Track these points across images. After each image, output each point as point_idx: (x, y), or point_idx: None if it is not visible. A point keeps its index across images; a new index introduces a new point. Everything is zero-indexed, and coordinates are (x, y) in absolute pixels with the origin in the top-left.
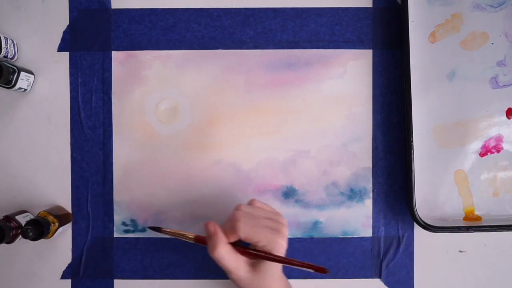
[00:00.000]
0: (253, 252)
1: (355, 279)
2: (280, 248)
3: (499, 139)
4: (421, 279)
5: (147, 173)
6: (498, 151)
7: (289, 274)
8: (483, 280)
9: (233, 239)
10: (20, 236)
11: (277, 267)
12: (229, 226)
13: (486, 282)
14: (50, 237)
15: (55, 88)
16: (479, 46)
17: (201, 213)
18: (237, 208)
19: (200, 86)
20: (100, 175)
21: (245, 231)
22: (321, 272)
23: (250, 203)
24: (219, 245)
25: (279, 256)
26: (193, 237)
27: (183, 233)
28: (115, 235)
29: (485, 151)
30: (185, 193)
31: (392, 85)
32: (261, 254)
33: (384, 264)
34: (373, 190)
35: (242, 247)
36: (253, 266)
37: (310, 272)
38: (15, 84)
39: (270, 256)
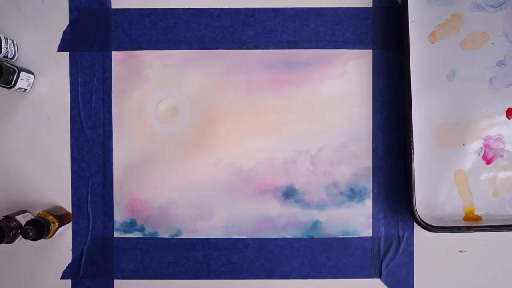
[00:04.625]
0: None
1: (355, 279)
2: None
3: (499, 139)
4: (421, 279)
5: (147, 173)
6: (502, 156)
7: (289, 274)
8: (483, 280)
9: None
10: (20, 236)
11: None
12: None
13: (486, 282)
14: (50, 237)
15: (55, 88)
16: (479, 46)
17: (201, 213)
18: None
19: (200, 86)
20: (100, 175)
21: None
22: None
23: None
24: None
25: None
26: None
27: None
28: (115, 235)
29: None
30: (185, 193)
31: (392, 85)
32: None
33: (384, 264)
34: (373, 190)
35: None
36: None
37: (310, 271)
38: (15, 84)
39: None
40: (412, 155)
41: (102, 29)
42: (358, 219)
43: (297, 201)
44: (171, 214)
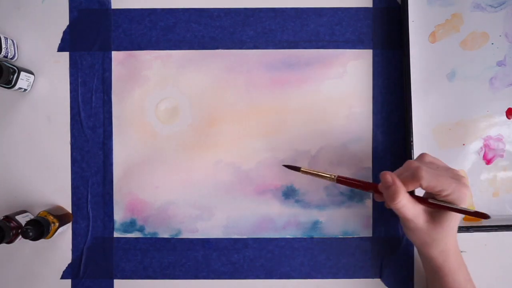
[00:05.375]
0: (435, 203)
1: (355, 279)
2: (465, 198)
3: (499, 139)
4: (421, 279)
5: (147, 173)
6: (502, 156)
7: (289, 274)
8: (483, 280)
9: (413, 187)
10: (20, 236)
11: (457, 220)
12: (409, 175)
13: (486, 282)
14: (50, 237)
15: (55, 88)
16: (479, 46)
17: (201, 213)
18: (408, 161)
19: (200, 86)
20: (100, 175)
21: (428, 179)
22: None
23: (420, 157)
24: (400, 193)
25: (461, 208)
26: (334, 177)
27: (322, 174)
28: (115, 235)
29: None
30: (185, 193)
31: (392, 85)
32: (443, 205)
33: (384, 264)
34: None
35: (419, 197)
36: (432, 216)
37: (310, 271)
38: (15, 84)
39: (453, 207)
40: (412, 155)
41: (102, 29)
42: (358, 219)
43: (297, 201)
44: (171, 214)
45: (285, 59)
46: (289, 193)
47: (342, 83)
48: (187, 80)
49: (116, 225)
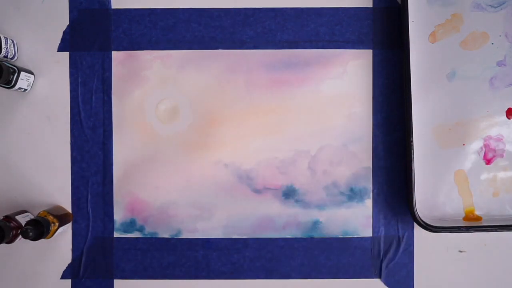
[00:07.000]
0: None
1: (355, 279)
2: None
3: (499, 139)
4: (421, 279)
5: (147, 173)
6: (502, 156)
7: (289, 274)
8: (483, 280)
9: None
10: (20, 236)
11: None
12: None
13: (486, 282)
14: (50, 237)
15: (55, 88)
16: (479, 46)
17: (201, 213)
18: None
19: (200, 86)
20: (100, 175)
21: None
22: None
23: None
24: None
25: None
26: None
27: None
28: (115, 235)
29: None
30: (185, 193)
31: (392, 85)
32: None
33: (384, 264)
34: (373, 190)
35: None
36: None
37: (310, 271)
38: (15, 84)
39: None
40: (412, 155)
41: (102, 29)
42: (358, 219)
43: (297, 201)
44: (171, 214)
45: (285, 59)
46: (289, 193)
47: (342, 83)
48: (187, 80)
49: (116, 225)
